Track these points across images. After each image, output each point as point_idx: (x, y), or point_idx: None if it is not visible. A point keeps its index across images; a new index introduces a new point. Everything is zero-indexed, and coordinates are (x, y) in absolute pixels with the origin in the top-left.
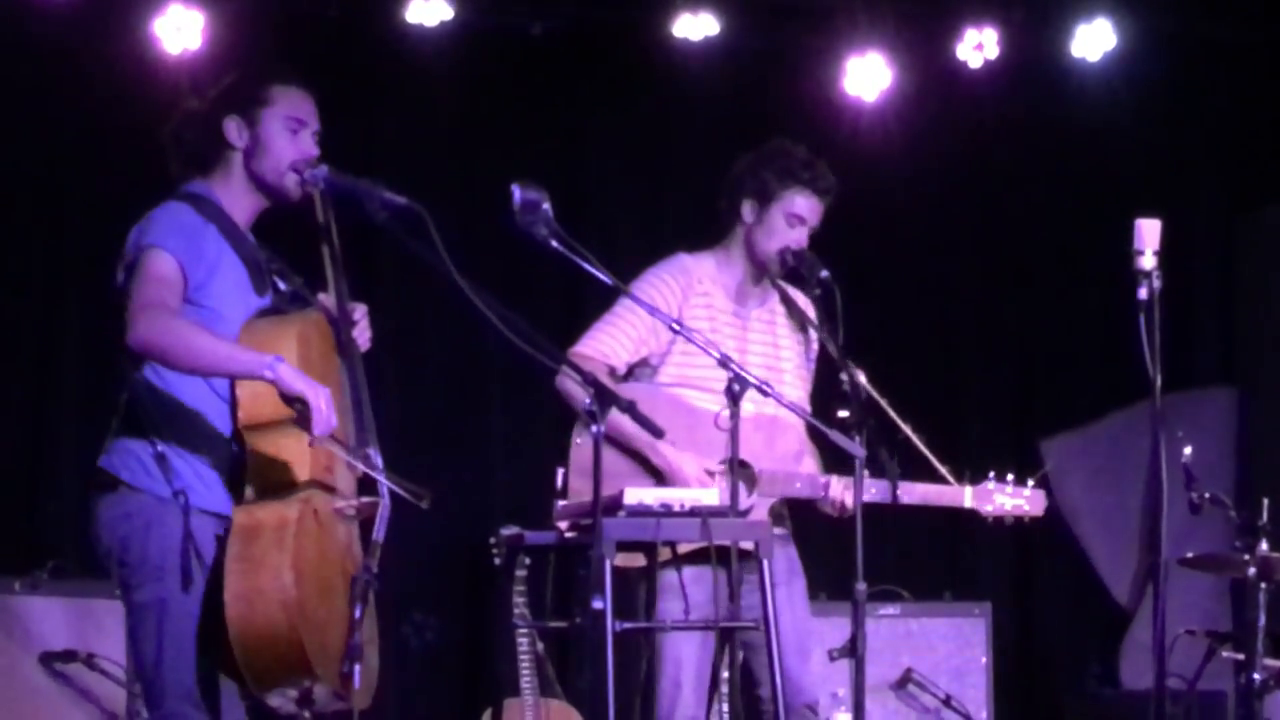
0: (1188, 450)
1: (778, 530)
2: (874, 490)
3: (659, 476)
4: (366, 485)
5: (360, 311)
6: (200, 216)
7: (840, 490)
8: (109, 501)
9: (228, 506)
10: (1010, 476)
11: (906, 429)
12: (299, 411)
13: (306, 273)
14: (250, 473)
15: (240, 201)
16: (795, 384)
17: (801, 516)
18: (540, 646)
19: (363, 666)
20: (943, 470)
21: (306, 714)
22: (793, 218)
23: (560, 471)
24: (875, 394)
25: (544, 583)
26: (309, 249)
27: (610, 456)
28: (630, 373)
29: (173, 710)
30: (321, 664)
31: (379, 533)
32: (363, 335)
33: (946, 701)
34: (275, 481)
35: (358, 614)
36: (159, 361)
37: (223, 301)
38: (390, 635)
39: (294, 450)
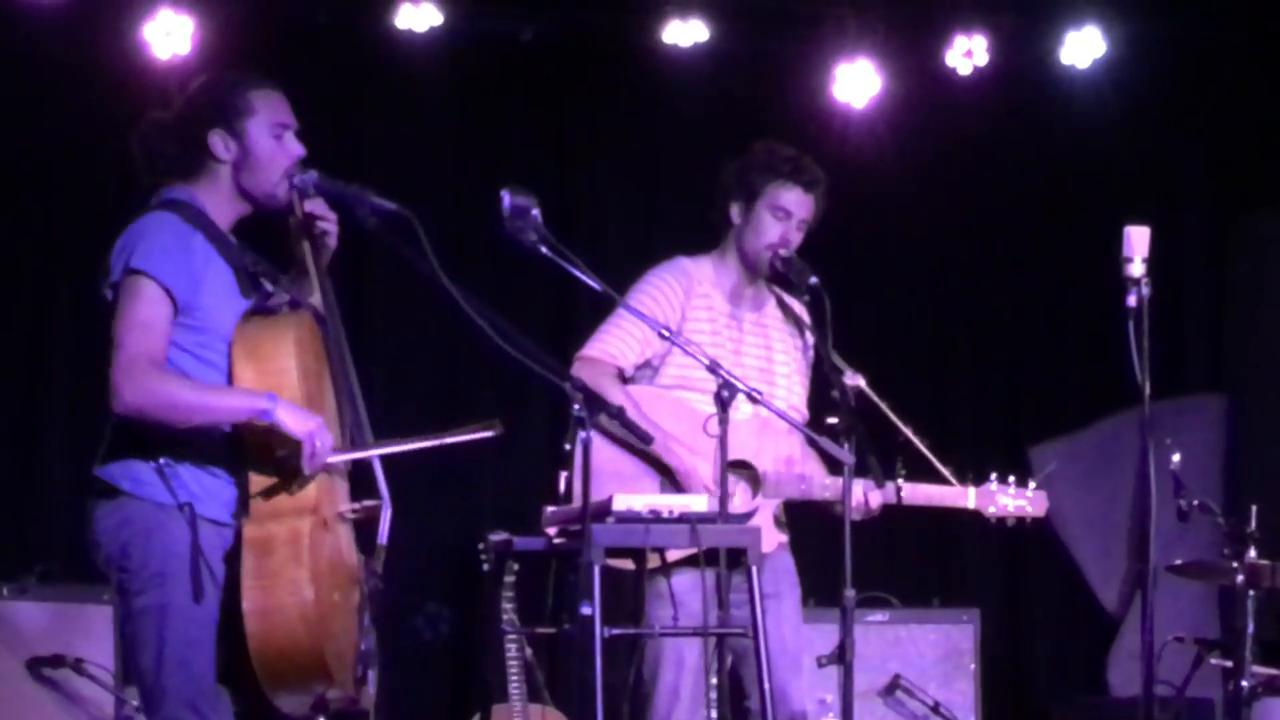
0: (1176, 457)
1: (780, 537)
2: (880, 494)
3: (667, 475)
4: (364, 487)
5: (330, 220)
6: (186, 225)
7: (861, 492)
8: (108, 509)
9: (228, 514)
10: (1012, 478)
11: (908, 431)
12: (289, 450)
13: (283, 268)
14: (255, 483)
15: (225, 208)
16: (791, 388)
17: (790, 521)
18: (529, 652)
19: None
20: (945, 472)
21: (321, 718)
22: (778, 210)
23: (563, 475)
24: (876, 398)
25: (542, 587)
26: (286, 247)
27: (617, 456)
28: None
29: (171, 716)
30: (339, 670)
31: (383, 536)
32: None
33: (935, 708)
34: (282, 491)
35: (367, 620)
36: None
37: (213, 313)
38: (380, 638)
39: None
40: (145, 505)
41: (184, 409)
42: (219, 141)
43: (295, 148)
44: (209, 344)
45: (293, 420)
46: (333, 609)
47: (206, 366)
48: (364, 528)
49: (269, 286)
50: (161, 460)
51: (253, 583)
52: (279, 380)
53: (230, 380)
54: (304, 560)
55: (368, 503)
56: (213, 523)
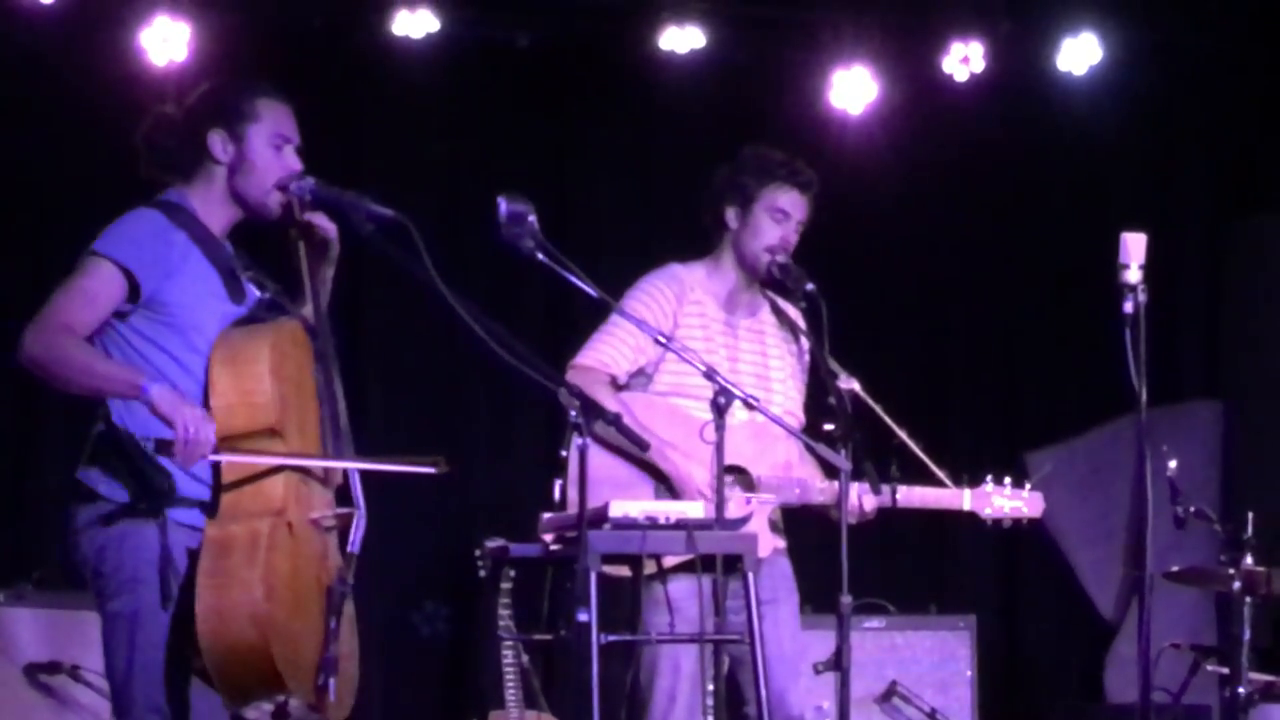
0: (1173, 464)
1: (777, 542)
2: (875, 497)
3: (662, 482)
4: (343, 496)
5: (332, 230)
6: (170, 222)
7: (856, 495)
8: (86, 512)
9: (202, 519)
10: (1008, 479)
11: (903, 435)
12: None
13: (283, 278)
14: (225, 485)
15: (217, 211)
16: (787, 394)
17: (788, 527)
18: (525, 658)
19: (339, 679)
20: (941, 474)
21: None
22: (776, 212)
23: (558, 482)
24: (871, 401)
25: (539, 593)
26: (283, 254)
27: (612, 462)
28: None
29: None
30: (294, 677)
31: (354, 544)
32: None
33: (931, 715)
34: (249, 494)
35: (332, 626)
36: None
37: (188, 310)
38: (376, 646)
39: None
40: (121, 510)
41: (72, 368)
42: (218, 142)
43: (293, 162)
44: (190, 345)
45: (166, 405)
46: (291, 613)
47: (186, 375)
48: (344, 537)
49: (257, 292)
50: (138, 461)
51: (207, 581)
52: (253, 385)
53: (207, 387)
54: (259, 561)
55: (341, 510)
56: (187, 527)
